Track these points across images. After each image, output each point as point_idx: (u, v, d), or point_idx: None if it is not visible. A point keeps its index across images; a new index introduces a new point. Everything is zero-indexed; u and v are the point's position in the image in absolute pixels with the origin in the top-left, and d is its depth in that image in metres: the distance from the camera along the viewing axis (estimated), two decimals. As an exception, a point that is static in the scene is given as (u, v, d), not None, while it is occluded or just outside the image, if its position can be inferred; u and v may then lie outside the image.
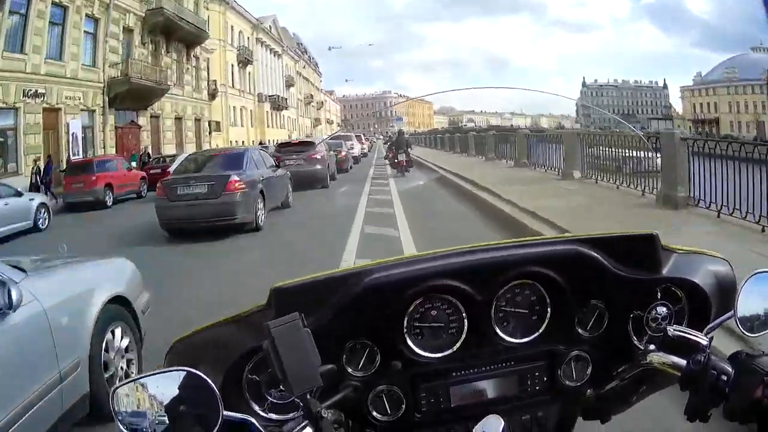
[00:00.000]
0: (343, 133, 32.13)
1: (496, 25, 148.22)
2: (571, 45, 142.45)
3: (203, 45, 37.07)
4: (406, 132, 37.68)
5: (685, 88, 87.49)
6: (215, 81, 39.81)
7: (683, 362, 0.98)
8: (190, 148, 32.76)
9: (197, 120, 35.81)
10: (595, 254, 1.11)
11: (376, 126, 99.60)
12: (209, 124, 37.79)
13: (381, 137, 46.94)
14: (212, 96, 39.40)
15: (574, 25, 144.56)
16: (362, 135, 42.43)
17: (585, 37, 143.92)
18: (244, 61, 46.14)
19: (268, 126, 51.62)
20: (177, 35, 32.15)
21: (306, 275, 1.08)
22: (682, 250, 1.21)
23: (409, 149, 19.02)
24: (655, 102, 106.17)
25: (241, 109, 45.48)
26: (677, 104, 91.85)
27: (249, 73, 48.13)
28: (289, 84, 62.93)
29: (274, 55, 56.80)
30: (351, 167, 23.85)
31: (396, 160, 18.52)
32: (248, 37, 48.56)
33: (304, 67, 75.87)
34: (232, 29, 44.03)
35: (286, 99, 57.85)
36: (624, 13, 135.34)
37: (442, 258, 1.10)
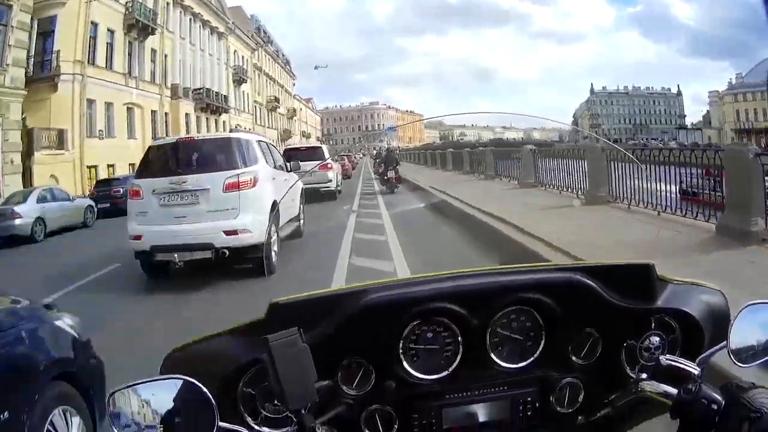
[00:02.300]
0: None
1: (480, 37, 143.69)
2: (558, 55, 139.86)
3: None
4: (396, 148, 36.23)
5: (724, 93, 77.49)
6: (58, 52, 21.24)
7: (674, 391, 0.98)
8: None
9: (-15, 126, 17.16)
10: (591, 283, 1.11)
11: (362, 141, 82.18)
12: (30, 135, 19.10)
13: (375, 151, 40.95)
14: (49, 82, 20.82)
15: (559, 35, 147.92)
16: (324, 148, 23.24)
17: (572, 48, 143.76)
18: (141, 27, 27.26)
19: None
20: None
21: (303, 293, 1.07)
22: (677, 280, 1.20)
23: (397, 166, 18.91)
24: (670, 111, 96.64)
25: (126, 107, 26.57)
26: (696, 112, 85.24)
27: (152, 51, 29.33)
28: (239, 79, 44.32)
29: (211, 32, 37.90)
30: None
31: (386, 177, 18.57)
32: (153, -7, 29.78)
33: (268, 62, 57.39)
34: (111, -31, 25.32)
35: (226, 97, 38.90)
36: (608, 22, 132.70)
37: (440, 281, 1.10)
